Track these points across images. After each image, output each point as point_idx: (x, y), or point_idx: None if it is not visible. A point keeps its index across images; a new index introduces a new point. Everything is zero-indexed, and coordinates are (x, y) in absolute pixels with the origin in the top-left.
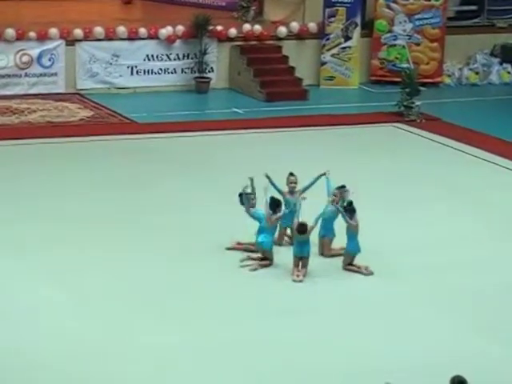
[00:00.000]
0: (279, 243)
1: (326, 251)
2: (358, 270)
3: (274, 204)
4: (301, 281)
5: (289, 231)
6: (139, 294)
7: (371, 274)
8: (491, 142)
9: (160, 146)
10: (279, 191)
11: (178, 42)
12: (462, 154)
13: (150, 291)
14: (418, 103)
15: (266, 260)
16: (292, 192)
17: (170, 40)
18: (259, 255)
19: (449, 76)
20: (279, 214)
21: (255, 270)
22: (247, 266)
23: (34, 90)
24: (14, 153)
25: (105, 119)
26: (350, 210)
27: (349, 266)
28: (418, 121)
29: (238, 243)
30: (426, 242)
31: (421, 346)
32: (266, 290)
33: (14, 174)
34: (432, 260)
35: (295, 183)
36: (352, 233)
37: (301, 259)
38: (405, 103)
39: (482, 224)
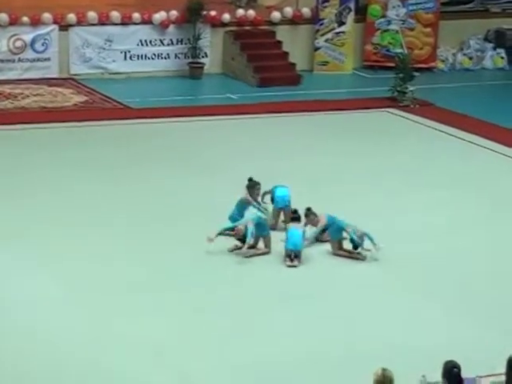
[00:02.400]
0: (273, 228)
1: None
2: (350, 256)
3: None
4: (295, 266)
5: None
6: (132, 282)
7: (364, 258)
8: (485, 127)
9: (153, 131)
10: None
11: (171, 27)
12: (455, 140)
13: (142, 280)
14: (411, 88)
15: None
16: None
17: (163, 25)
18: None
19: (442, 61)
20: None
21: (250, 256)
22: (240, 252)
23: (27, 75)
24: (8, 138)
25: (98, 104)
26: (295, 218)
27: (339, 250)
28: (412, 106)
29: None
30: (420, 229)
31: (414, 332)
32: (260, 277)
33: (8, 160)
34: (426, 247)
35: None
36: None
37: (293, 252)
38: (398, 88)
39: (480, 210)
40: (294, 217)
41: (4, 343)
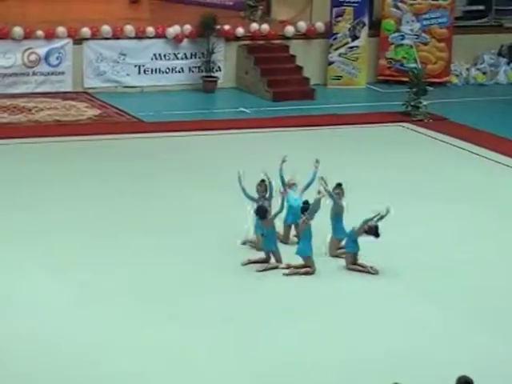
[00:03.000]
0: (285, 242)
1: (331, 251)
2: (363, 270)
3: (262, 212)
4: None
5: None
6: (141, 291)
7: (377, 273)
8: (498, 142)
9: (167, 145)
10: (283, 183)
11: (185, 41)
12: (468, 154)
13: (153, 288)
14: (425, 103)
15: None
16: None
17: (177, 39)
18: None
19: (456, 76)
20: (272, 216)
21: (262, 270)
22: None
23: (41, 89)
24: (22, 151)
25: (112, 118)
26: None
27: (353, 265)
28: (425, 120)
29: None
30: (431, 240)
31: (422, 342)
32: (268, 289)
33: (22, 172)
34: (437, 258)
35: (294, 184)
36: (351, 233)
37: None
38: (412, 103)
39: (488, 223)
40: (305, 207)
41: (9, 346)
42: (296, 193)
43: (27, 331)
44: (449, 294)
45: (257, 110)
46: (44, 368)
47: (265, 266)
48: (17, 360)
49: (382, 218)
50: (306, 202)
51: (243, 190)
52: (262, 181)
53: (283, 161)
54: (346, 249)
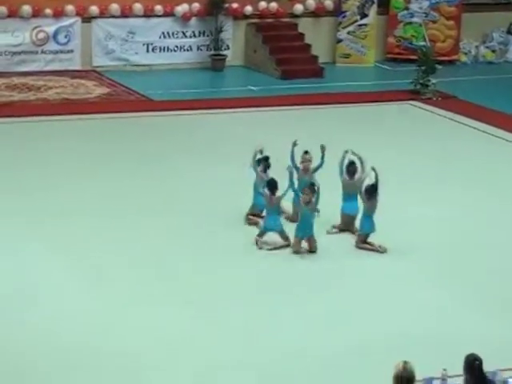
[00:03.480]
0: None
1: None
2: (373, 248)
3: (272, 185)
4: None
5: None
6: (147, 268)
7: (385, 251)
8: (507, 120)
9: (175, 123)
10: (296, 167)
11: (193, 20)
12: (477, 132)
13: (158, 266)
14: (433, 81)
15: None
16: (306, 170)
17: (185, 17)
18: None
19: (465, 54)
20: (279, 195)
21: (272, 249)
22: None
23: (50, 67)
24: (30, 129)
25: (121, 96)
26: (369, 191)
27: (363, 244)
28: (434, 99)
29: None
30: (438, 220)
31: (431, 323)
32: (278, 268)
33: (30, 151)
34: (447, 238)
35: (310, 161)
36: (367, 212)
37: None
38: (421, 81)
39: (497, 202)
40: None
41: (17, 329)
42: (308, 175)
43: (36, 313)
44: (456, 275)
45: (265, 88)
46: (53, 349)
47: (273, 244)
48: (25, 341)
49: (361, 162)
50: (312, 184)
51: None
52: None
53: (294, 144)
54: (362, 228)
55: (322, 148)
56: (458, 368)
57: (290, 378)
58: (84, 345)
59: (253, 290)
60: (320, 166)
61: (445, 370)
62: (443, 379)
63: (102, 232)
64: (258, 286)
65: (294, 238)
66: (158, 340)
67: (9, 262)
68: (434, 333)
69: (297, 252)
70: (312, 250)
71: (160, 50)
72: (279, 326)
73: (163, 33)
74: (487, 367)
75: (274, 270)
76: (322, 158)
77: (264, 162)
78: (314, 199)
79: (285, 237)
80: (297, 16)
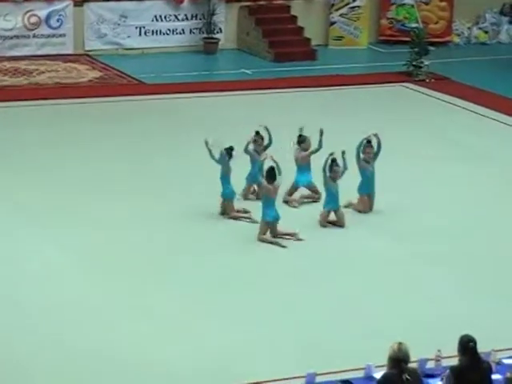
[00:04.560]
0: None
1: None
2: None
3: (271, 174)
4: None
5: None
6: (137, 257)
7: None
8: (500, 101)
9: (168, 106)
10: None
11: (186, 3)
12: (470, 114)
13: (148, 255)
14: (426, 63)
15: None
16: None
17: (178, 0)
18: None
19: (458, 35)
20: (277, 185)
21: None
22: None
23: (42, 51)
24: (22, 114)
25: (113, 80)
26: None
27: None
28: (427, 80)
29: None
30: (432, 201)
31: (430, 305)
32: (275, 253)
33: (22, 135)
34: (440, 221)
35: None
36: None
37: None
38: (414, 63)
39: (490, 183)
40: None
41: (15, 318)
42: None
43: (36, 297)
44: (450, 257)
45: (258, 71)
46: (53, 333)
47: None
48: (24, 326)
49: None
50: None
51: (210, 151)
52: (257, 133)
53: (321, 133)
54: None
55: (321, 132)
56: (453, 349)
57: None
58: (80, 329)
59: (238, 276)
60: (318, 150)
61: (439, 350)
62: (437, 360)
63: (95, 213)
64: (255, 270)
65: (322, 211)
66: (158, 324)
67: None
68: (428, 314)
69: (323, 225)
70: (340, 225)
71: (152, 34)
72: (276, 311)
73: (155, 16)
74: (481, 348)
75: (271, 253)
76: (320, 142)
77: (228, 151)
78: (339, 175)
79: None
80: None
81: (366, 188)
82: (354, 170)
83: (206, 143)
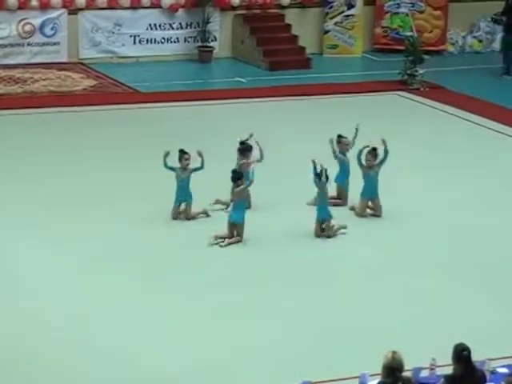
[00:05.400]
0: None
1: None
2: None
3: (236, 176)
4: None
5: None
6: (130, 261)
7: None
8: (494, 110)
9: (162, 115)
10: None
11: (180, 11)
12: (465, 122)
13: (141, 259)
14: (421, 71)
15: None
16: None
17: (172, 9)
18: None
19: (452, 44)
20: (242, 187)
21: (226, 245)
22: (217, 243)
23: (36, 60)
24: (17, 122)
25: (107, 88)
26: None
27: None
28: (422, 89)
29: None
30: (428, 209)
31: (419, 313)
32: (274, 257)
33: (16, 144)
34: (436, 225)
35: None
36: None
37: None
38: (408, 71)
39: (484, 190)
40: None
41: (11, 320)
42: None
43: (28, 301)
44: (445, 263)
45: (253, 79)
46: (43, 342)
47: (229, 241)
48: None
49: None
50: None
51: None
52: (242, 143)
53: (357, 129)
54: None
55: (356, 129)
56: (447, 357)
57: (295, 368)
58: (75, 334)
59: (244, 276)
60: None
61: (433, 359)
62: (432, 369)
63: (89, 221)
64: (253, 273)
65: (360, 200)
66: (156, 328)
67: None
68: (422, 322)
69: (362, 216)
70: (377, 214)
71: (147, 42)
72: (271, 313)
73: (150, 24)
74: (475, 357)
75: (272, 257)
76: (354, 138)
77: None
78: (376, 163)
79: (240, 232)
80: (284, 7)
81: (367, 193)
82: (358, 175)
83: (166, 154)
